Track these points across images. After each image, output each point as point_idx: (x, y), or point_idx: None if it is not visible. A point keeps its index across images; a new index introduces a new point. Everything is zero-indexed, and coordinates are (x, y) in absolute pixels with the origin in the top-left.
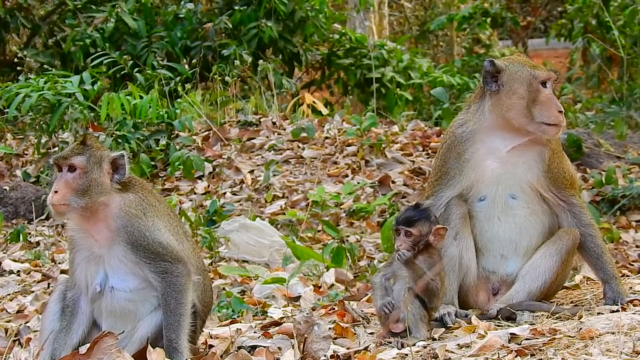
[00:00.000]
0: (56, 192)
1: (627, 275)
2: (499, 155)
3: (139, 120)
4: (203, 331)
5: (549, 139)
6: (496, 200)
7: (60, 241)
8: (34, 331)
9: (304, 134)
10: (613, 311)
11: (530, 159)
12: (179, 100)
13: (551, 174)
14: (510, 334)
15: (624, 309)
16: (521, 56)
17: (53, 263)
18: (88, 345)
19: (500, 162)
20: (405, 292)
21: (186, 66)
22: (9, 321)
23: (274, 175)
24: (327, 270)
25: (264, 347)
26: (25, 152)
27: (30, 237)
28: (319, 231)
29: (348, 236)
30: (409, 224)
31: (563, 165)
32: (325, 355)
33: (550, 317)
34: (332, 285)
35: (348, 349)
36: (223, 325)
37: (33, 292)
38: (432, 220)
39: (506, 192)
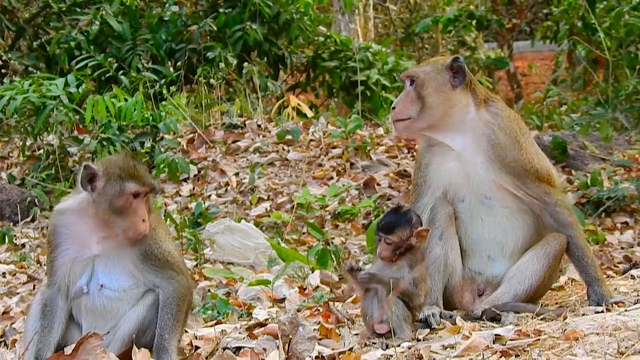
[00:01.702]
0: None
1: (612, 277)
2: (454, 156)
3: (124, 123)
4: (187, 331)
5: (488, 134)
6: (473, 201)
7: (45, 243)
8: (20, 332)
9: (289, 137)
10: (597, 312)
11: (484, 157)
12: (163, 102)
13: (509, 168)
14: (495, 334)
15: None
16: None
17: (38, 265)
18: (73, 345)
19: (459, 163)
20: (389, 293)
21: (171, 69)
22: None
23: (259, 177)
24: (312, 272)
25: (249, 348)
26: (10, 154)
27: (15, 239)
28: (304, 233)
29: (333, 238)
30: (389, 231)
31: (523, 158)
32: (310, 356)
33: (534, 318)
34: (317, 287)
35: (333, 349)
36: (208, 327)
37: (19, 293)
38: (414, 223)
39: (479, 192)
